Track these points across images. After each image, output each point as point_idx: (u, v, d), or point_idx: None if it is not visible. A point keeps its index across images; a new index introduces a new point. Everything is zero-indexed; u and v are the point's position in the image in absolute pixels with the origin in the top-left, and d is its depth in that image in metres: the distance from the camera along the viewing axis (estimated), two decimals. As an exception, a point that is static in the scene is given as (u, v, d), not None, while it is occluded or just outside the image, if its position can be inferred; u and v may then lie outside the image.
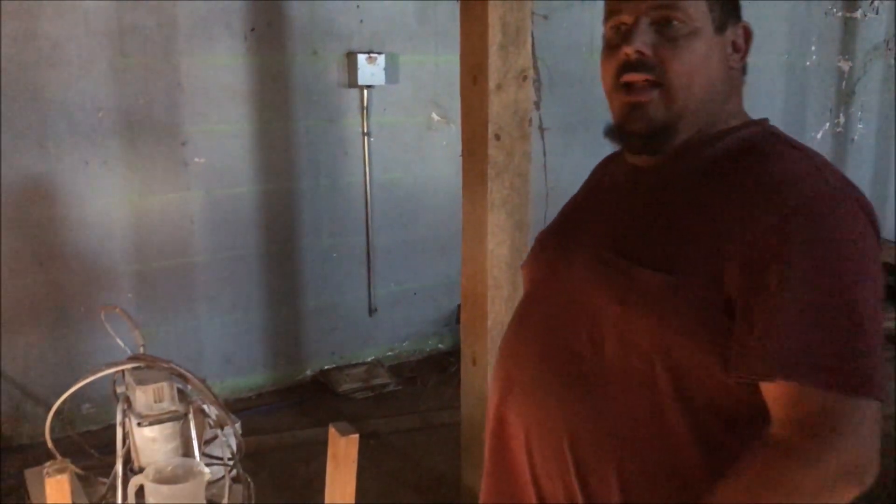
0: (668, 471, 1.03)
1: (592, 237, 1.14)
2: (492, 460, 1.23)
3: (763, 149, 1.06)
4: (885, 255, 6.26)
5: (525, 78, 2.38)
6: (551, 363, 1.12)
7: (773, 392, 0.95)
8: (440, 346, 4.85)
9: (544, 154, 4.33)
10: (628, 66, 1.08)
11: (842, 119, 6.51)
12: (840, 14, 6.25)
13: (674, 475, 1.03)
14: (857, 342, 0.93)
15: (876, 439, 0.93)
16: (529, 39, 2.39)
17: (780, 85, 6.07)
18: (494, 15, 2.32)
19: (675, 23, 1.05)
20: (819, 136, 6.41)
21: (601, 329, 1.06)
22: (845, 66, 6.40)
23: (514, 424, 1.17)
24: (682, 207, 1.06)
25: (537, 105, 4.28)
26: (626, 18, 1.08)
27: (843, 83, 6.45)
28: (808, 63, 6.19)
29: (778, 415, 0.95)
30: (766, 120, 1.15)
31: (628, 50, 1.07)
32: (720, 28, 1.08)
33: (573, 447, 1.08)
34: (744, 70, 1.16)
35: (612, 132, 1.15)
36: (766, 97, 5.99)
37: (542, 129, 4.35)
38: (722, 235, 0.99)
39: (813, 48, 6.18)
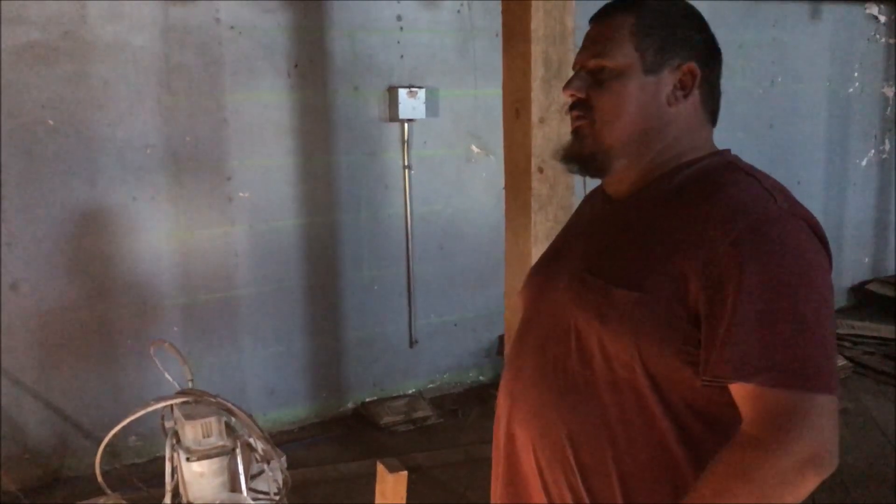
0: (659, 467, 1.15)
1: (573, 261, 1.27)
2: (505, 473, 1.34)
3: (719, 177, 1.19)
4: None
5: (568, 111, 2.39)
6: (547, 378, 1.23)
7: (738, 393, 1.07)
8: (481, 377, 4.83)
9: (584, 186, 4.32)
10: (571, 106, 1.27)
11: (887, 146, 6.40)
12: (883, 40, 6.17)
13: (665, 470, 1.15)
14: (806, 345, 1.04)
15: (834, 430, 1.04)
16: (572, 73, 2.40)
17: (822, 112, 6.01)
18: (537, 50, 2.33)
19: (605, 68, 1.22)
20: (864, 163, 6.31)
21: (586, 343, 1.19)
22: (889, 92, 6.31)
23: (522, 438, 1.28)
24: (650, 232, 1.19)
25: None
26: (574, 69, 1.28)
27: (888, 109, 6.35)
28: (850, 90, 6.12)
29: (745, 414, 1.06)
30: (727, 151, 1.27)
31: (564, 94, 1.27)
32: (651, 70, 1.21)
33: (575, 452, 1.19)
34: (712, 114, 1.27)
35: (560, 155, 1.31)
36: (808, 124, 5.93)
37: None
38: (684, 256, 1.11)
39: (856, 74, 6.10)
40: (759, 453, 1.02)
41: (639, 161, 1.24)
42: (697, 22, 1.26)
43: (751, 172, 1.19)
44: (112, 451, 3.61)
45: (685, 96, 1.22)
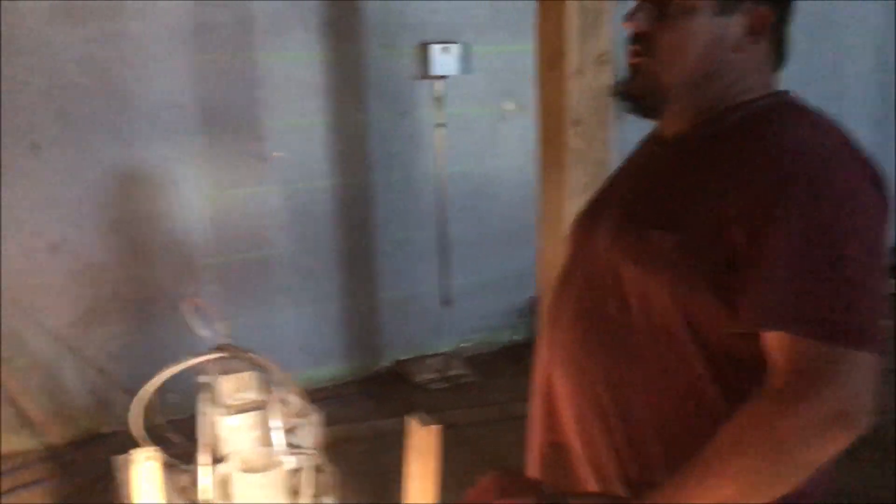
0: (696, 412, 1.12)
1: (616, 205, 1.24)
2: (544, 420, 1.32)
3: (772, 117, 1.13)
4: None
5: (605, 62, 2.32)
6: (586, 324, 1.21)
7: (769, 342, 1.02)
8: (515, 337, 4.81)
9: (623, 140, 4.24)
10: (630, 37, 1.19)
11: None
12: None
13: (701, 416, 1.11)
14: (848, 296, 0.98)
15: (868, 389, 0.98)
16: (610, 22, 2.33)
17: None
18: (572, -2, 2.27)
19: (674, 2, 1.14)
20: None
21: (623, 288, 1.15)
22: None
23: (560, 385, 1.26)
24: (694, 173, 1.15)
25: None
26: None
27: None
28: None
29: (774, 363, 1.01)
30: (785, 91, 1.20)
31: (625, 25, 1.19)
32: (724, 11, 1.13)
33: (612, 398, 1.17)
34: (780, 55, 1.19)
35: (614, 91, 1.25)
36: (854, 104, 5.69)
37: (620, 115, 4.26)
38: (726, 198, 1.06)
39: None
40: (781, 405, 0.97)
41: (694, 103, 1.18)
42: None
43: (808, 114, 1.13)
44: (151, 408, 3.67)
45: (754, 42, 1.15)
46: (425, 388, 4.19)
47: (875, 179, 1.07)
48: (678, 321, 1.10)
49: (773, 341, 1.01)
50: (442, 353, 4.55)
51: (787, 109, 1.15)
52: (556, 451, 1.30)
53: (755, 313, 1.02)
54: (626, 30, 1.19)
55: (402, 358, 4.48)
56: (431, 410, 3.77)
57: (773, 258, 1.00)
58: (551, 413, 1.30)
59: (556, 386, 1.28)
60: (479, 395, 4.12)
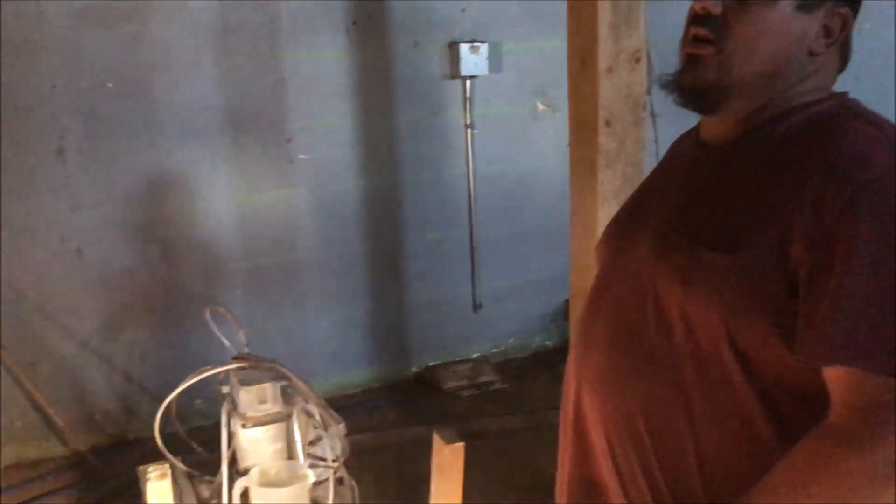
0: (743, 448, 1.04)
1: (657, 217, 1.14)
2: (573, 447, 1.24)
3: (833, 125, 1.04)
4: None
5: (638, 60, 2.22)
6: (620, 348, 1.12)
7: (833, 376, 0.94)
8: (547, 342, 4.73)
9: (656, 141, 4.13)
10: (696, 19, 1.07)
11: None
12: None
13: (749, 452, 1.03)
14: None
15: None
16: (642, 18, 2.23)
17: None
18: (605, -7, 2.17)
19: None
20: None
21: (666, 310, 1.06)
22: None
23: (591, 411, 1.18)
24: (748, 185, 1.06)
25: (649, 90, 4.08)
26: None
27: None
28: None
29: (837, 399, 0.93)
30: (845, 94, 1.10)
31: (696, 6, 1.07)
32: (806, 7, 1.04)
33: (649, 429, 1.09)
34: (843, 58, 1.12)
35: (667, 82, 1.11)
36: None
37: (654, 115, 4.14)
38: (787, 216, 0.97)
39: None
40: (845, 447, 0.90)
41: (752, 103, 1.09)
42: None
43: (873, 121, 1.04)
44: (177, 414, 3.65)
45: (829, 45, 1.07)
46: (455, 394, 4.12)
47: None
48: (726, 349, 1.01)
49: (838, 376, 0.93)
50: (472, 359, 4.48)
51: (850, 116, 1.06)
52: (587, 486, 1.22)
53: (820, 345, 0.93)
54: (698, 10, 1.07)
55: (432, 364, 4.41)
56: (461, 418, 3.73)
57: (842, 285, 0.91)
58: (581, 444, 1.22)
59: (586, 414, 1.19)
60: (510, 402, 4.04)
